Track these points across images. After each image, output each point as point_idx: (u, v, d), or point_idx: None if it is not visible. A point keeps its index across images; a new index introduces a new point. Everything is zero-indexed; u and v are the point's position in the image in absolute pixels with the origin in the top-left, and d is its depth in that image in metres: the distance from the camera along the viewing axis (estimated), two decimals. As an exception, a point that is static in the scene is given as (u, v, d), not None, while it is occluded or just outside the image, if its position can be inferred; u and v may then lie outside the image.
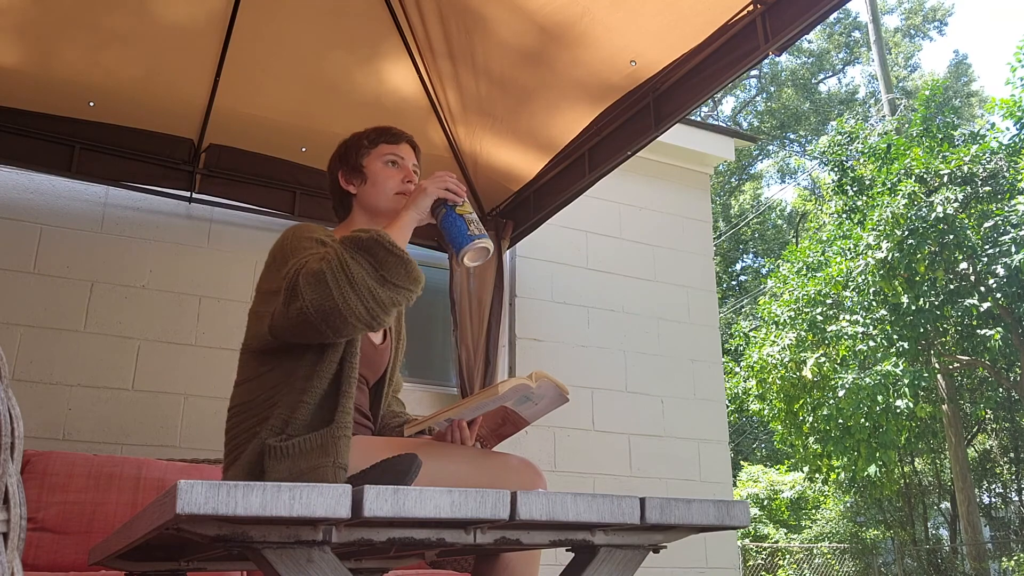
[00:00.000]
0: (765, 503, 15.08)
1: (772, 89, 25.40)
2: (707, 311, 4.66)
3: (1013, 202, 9.71)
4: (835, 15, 23.99)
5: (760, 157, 25.45)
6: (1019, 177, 9.80)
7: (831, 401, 10.28)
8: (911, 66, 25.29)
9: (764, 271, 22.38)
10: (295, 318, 1.44)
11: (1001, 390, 11.59)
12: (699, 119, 7.69)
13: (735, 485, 14.46)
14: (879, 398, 9.75)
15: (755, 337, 11.97)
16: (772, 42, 2.35)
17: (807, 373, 10.71)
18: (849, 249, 11.02)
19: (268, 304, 1.56)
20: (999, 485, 14.79)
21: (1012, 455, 14.05)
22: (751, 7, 2.41)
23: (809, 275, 11.60)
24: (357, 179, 1.81)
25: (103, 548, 1.48)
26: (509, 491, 1.04)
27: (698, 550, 4.18)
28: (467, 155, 3.44)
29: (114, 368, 3.21)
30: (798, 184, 22.99)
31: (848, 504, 14.31)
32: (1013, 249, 9.44)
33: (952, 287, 10.07)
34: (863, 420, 9.96)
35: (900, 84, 23.02)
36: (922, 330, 10.26)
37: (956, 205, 9.71)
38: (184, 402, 3.28)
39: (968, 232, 9.65)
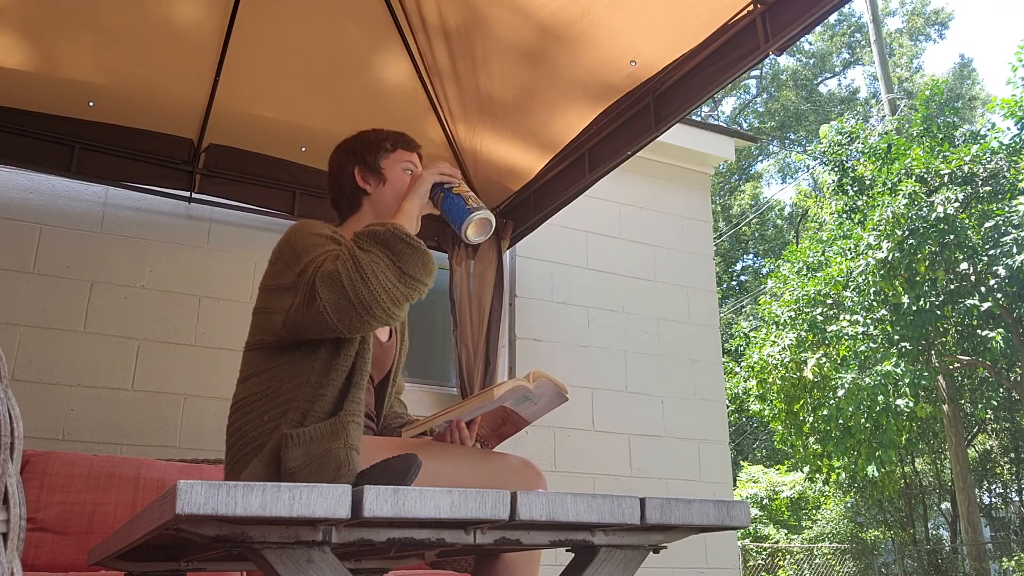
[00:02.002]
0: (765, 503, 15.07)
1: (772, 90, 25.38)
2: (707, 311, 4.66)
3: (1014, 202, 9.71)
4: (836, 16, 23.98)
5: (760, 157, 25.44)
6: (1020, 177, 9.79)
7: (831, 401, 10.28)
8: (914, 67, 25.26)
9: (764, 271, 22.38)
10: (314, 318, 1.50)
11: (1002, 390, 11.58)
12: (699, 119, 7.67)
13: (735, 485, 14.44)
14: (879, 398, 9.75)
15: (755, 337, 11.97)
16: (772, 42, 2.35)
17: (807, 373, 10.70)
18: (849, 249, 11.01)
19: (275, 300, 1.59)
20: (999, 485, 14.79)
21: (1012, 455, 14.05)
22: (751, 7, 2.41)
23: (809, 275, 11.60)
24: (375, 179, 1.84)
25: (103, 548, 1.48)
26: (509, 491, 1.04)
27: (698, 550, 4.18)
28: (467, 154, 3.44)
29: (114, 368, 3.21)
30: (799, 183, 22.99)
31: (848, 504, 14.31)
32: (1014, 249, 9.44)
33: (953, 287, 10.07)
34: (863, 420, 9.95)
35: (903, 85, 23.00)
36: (923, 330, 10.25)
37: (957, 205, 9.70)
38: (184, 402, 3.28)
39: (969, 232, 9.65)
